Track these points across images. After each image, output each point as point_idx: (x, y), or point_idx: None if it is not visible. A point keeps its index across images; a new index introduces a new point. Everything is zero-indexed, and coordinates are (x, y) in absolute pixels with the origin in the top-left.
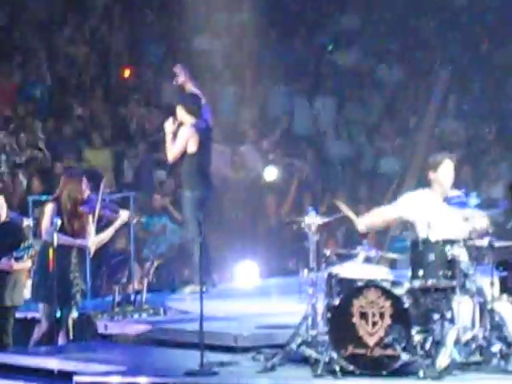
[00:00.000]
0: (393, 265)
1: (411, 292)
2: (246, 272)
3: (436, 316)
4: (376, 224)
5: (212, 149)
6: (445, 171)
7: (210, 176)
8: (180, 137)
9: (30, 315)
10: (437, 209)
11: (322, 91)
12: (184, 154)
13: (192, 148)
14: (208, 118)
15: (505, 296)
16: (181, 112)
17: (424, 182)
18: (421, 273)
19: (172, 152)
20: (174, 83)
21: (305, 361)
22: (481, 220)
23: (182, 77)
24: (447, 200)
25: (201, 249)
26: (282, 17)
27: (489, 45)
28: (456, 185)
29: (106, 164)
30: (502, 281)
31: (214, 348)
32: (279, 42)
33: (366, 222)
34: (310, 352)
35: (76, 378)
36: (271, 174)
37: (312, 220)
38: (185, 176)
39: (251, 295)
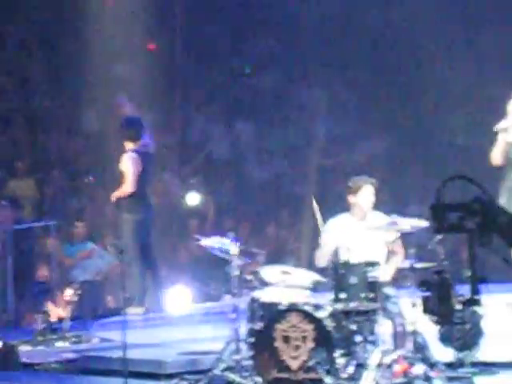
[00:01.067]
0: (315, 288)
1: (333, 315)
2: (176, 298)
3: (359, 339)
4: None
5: (153, 172)
6: (364, 196)
7: (149, 198)
8: (126, 166)
9: None
10: (356, 232)
11: (241, 115)
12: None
13: None
14: (148, 143)
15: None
16: (121, 138)
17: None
18: (343, 295)
19: (128, 183)
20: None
21: None
22: (399, 252)
23: (126, 107)
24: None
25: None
26: (199, 42)
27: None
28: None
29: (29, 193)
30: (425, 301)
31: (138, 375)
32: (197, 67)
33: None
34: (233, 377)
35: None
36: (193, 199)
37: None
38: (123, 199)
39: (174, 322)
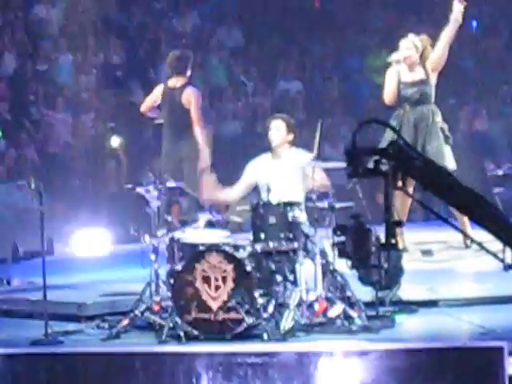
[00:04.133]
0: (237, 228)
1: (253, 255)
2: (94, 239)
3: (279, 278)
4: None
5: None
6: (272, 132)
7: None
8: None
9: None
10: (275, 171)
11: (161, 57)
12: None
13: None
14: None
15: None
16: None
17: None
18: (262, 236)
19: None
20: None
21: (149, 327)
22: (320, 174)
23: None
24: None
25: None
26: None
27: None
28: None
29: None
30: (340, 246)
31: (58, 317)
32: (117, 8)
33: (234, 194)
34: (154, 318)
35: None
36: (115, 142)
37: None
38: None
39: (94, 263)
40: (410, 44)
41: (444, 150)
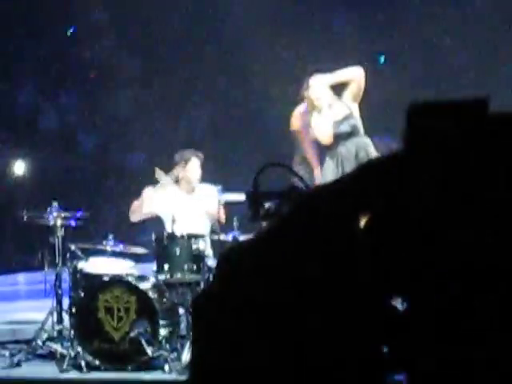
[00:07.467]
0: (138, 258)
1: (156, 286)
2: None
3: (182, 310)
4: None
5: None
6: (192, 169)
7: None
8: None
9: None
10: (182, 204)
11: (68, 85)
12: None
13: None
14: None
15: None
16: None
17: None
18: (166, 267)
19: None
20: None
21: (51, 356)
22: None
23: None
24: None
25: None
26: (29, 12)
27: None
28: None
29: None
30: None
31: None
32: (25, 36)
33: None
34: (55, 347)
35: None
36: (19, 168)
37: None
38: None
39: None
40: (320, 84)
41: None
